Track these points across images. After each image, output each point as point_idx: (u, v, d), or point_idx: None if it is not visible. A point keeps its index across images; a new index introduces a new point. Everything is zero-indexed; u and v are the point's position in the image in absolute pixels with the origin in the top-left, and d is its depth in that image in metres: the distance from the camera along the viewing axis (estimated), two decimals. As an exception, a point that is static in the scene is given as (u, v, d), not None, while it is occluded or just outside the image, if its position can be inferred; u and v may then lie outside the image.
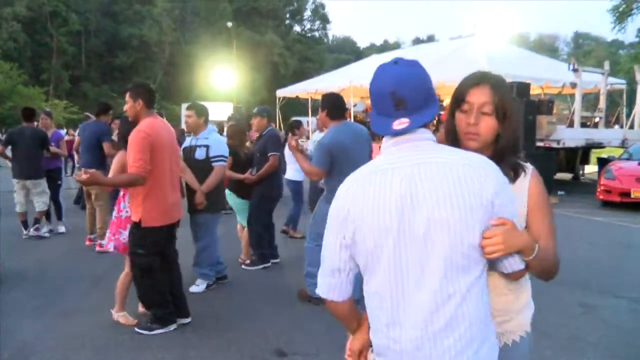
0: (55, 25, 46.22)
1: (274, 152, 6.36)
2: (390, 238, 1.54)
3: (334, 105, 4.92)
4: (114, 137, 7.05)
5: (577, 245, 7.97)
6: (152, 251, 4.30)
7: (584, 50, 76.75)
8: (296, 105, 44.02)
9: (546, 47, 71.49)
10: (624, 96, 18.33)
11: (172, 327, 4.48)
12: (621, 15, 64.51)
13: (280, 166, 6.72)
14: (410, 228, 1.52)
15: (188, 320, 4.64)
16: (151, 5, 51.28)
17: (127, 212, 4.51)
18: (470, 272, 1.55)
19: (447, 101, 16.03)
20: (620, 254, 7.59)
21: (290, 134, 7.76)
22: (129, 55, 50.56)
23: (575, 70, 13.86)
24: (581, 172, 17.32)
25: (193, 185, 5.32)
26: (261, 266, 6.50)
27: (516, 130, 1.87)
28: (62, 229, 8.52)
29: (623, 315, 5.07)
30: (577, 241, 8.32)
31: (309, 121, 26.49)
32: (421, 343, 1.56)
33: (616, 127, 15.81)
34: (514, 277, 1.77)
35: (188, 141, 5.70)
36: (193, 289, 5.56)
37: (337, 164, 4.70)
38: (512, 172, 1.83)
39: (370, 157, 4.74)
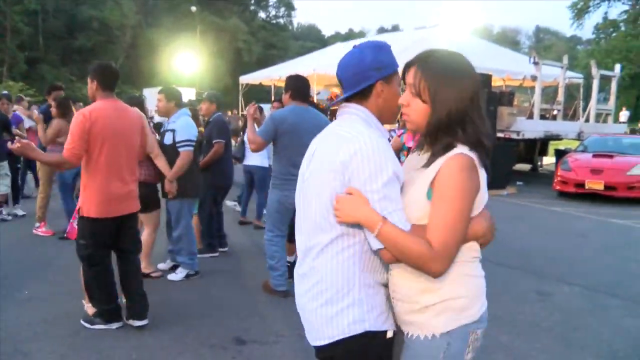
0: (9, 3, 44.51)
1: (218, 140, 6.18)
2: (300, 185, 1.95)
3: (296, 87, 4.83)
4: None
5: (534, 234, 8.17)
6: (90, 243, 4.01)
7: (545, 45, 78.41)
8: (259, 92, 43.66)
9: (509, 40, 72.68)
10: (581, 90, 18.79)
11: (115, 325, 4.19)
12: (579, 12, 66.37)
13: (228, 154, 6.54)
14: (305, 183, 1.89)
15: (142, 323, 4.22)
16: (112, -13, 49.95)
17: None
18: (326, 232, 1.75)
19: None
20: (575, 243, 7.78)
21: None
22: (89, 38, 49.10)
23: (535, 64, 14.11)
24: (539, 163, 17.71)
25: (164, 172, 5.17)
26: (208, 255, 6.34)
27: (449, 113, 1.69)
28: (20, 212, 8.47)
29: (576, 301, 5.21)
30: (534, 230, 8.52)
31: (272, 108, 26.36)
32: (298, 276, 1.91)
33: (581, 120, 16.17)
34: (383, 257, 1.70)
35: (164, 126, 5.60)
36: (171, 276, 5.50)
37: (281, 144, 4.65)
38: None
39: None
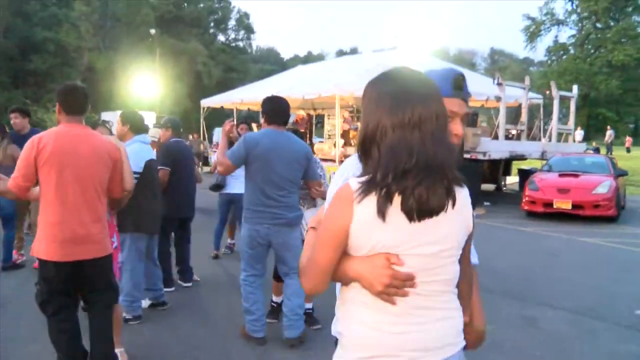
0: (-42, 23, 43.24)
1: (161, 167, 5.59)
2: None
3: (271, 110, 4.36)
4: None
5: (508, 255, 8.09)
6: (44, 288, 3.40)
7: (500, 66, 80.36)
8: (220, 116, 43.32)
9: (465, 62, 74.19)
10: (541, 110, 19.14)
11: None
12: (532, 35, 68.78)
13: (180, 182, 5.92)
14: None
15: None
16: (68, 9, 49.04)
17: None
18: None
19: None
20: (549, 263, 7.75)
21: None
22: (44, 60, 47.92)
23: (499, 85, 14.30)
24: (503, 183, 17.90)
25: None
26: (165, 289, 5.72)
27: (365, 128, 1.53)
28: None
29: (562, 326, 5.10)
30: (508, 251, 8.46)
31: (240, 130, 26.03)
32: None
33: (543, 140, 16.42)
34: None
35: None
36: None
37: (252, 170, 4.18)
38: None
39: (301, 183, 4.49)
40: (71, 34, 47.58)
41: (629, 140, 40.56)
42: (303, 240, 4.46)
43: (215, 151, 24.51)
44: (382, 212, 1.45)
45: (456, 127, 1.79)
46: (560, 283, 6.63)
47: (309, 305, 4.87)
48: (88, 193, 3.38)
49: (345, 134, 18.89)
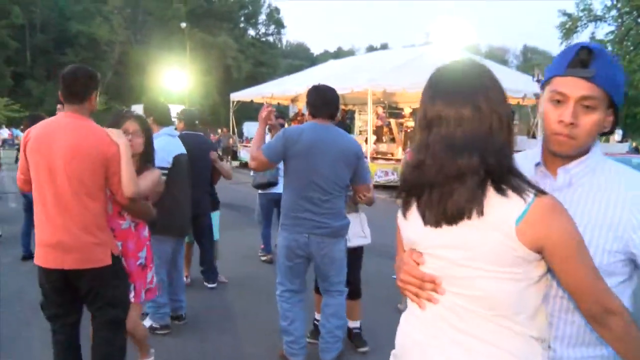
0: (-5, 17, 43.94)
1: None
2: None
3: (315, 102, 3.73)
4: None
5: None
6: (42, 296, 3.08)
7: (533, 64, 78.74)
8: (249, 110, 43.30)
9: (497, 59, 72.86)
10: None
11: None
12: (568, 32, 67.03)
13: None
14: None
15: None
16: (101, 3, 49.55)
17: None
18: None
19: (407, 109, 15.58)
20: None
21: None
22: (77, 53, 48.56)
23: (539, 81, 13.73)
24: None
25: None
26: None
27: None
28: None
29: None
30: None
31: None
32: None
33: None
34: None
35: None
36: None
37: (291, 170, 3.63)
38: None
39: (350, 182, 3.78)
40: (103, 27, 48.08)
41: (664, 139, 39.77)
42: (351, 252, 3.98)
43: (245, 146, 24.44)
44: (403, 210, 1.47)
45: (562, 113, 1.43)
46: None
47: (356, 324, 4.35)
48: (67, 194, 2.84)
49: (378, 130, 18.50)
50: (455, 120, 1.33)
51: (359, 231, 4.26)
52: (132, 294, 3.25)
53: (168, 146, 4.42)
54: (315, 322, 4.36)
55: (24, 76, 47.08)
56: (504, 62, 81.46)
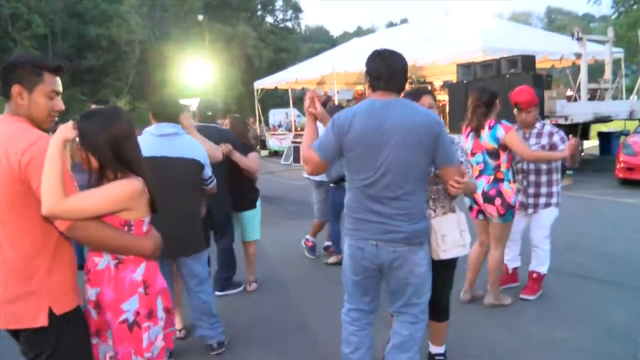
0: (17, 28, 44.18)
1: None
2: None
3: (377, 70, 2.87)
4: None
5: (620, 237, 6.93)
6: None
7: (558, 25, 76.60)
8: (274, 97, 42.84)
9: (521, 24, 71.05)
10: (622, 66, 17.48)
11: None
12: (595, -12, 64.97)
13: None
14: None
15: None
16: (118, 4, 49.45)
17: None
18: None
19: (437, 82, 14.91)
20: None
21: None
22: (98, 57, 48.66)
23: (579, 39, 12.87)
24: (581, 148, 16.43)
25: None
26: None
27: None
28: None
29: None
30: (618, 231, 7.29)
31: (289, 112, 25.39)
32: None
33: (632, 98, 14.90)
34: None
35: None
36: None
37: (349, 161, 2.90)
38: None
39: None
40: (122, 28, 48.07)
41: None
42: (440, 266, 3.16)
43: (273, 134, 23.97)
44: None
45: None
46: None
47: (439, 350, 3.66)
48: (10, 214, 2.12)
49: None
50: None
51: (457, 238, 3.23)
52: None
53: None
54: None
55: (49, 84, 47.37)
56: (529, 26, 79.36)
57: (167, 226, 2.83)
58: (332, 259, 6.30)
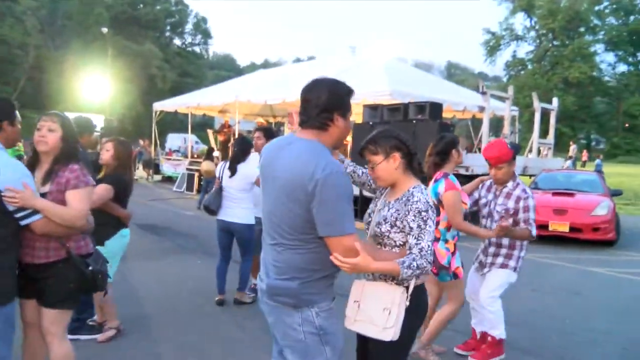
0: None
1: None
2: None
3: (316, 101, 2.45)
4: None
5: (519, 294, 6.72)
6: None
7: (456, 80, 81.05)
8: (174, 122, 41.37)
9: (423, 75, 74.41)
10: (517, 124, 18.25)
11: None
12: (491, 50, 69.99)
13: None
14: None
15: None
16: (12, 2, 46.05)
17: None
18: None
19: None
20: (573, 303, 6.47)
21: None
22: (-16, 56, 44.95)
23: (483, 93, 13.16)
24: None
25: None
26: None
27: None
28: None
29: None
30: (515, 287, 7.08)
31: (187, 138, 24.34)
32: None
33: (527, 154, 15.45)
34: None
35: None
36: None
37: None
38: None
39: None
40: (16, 29, 44.72)
41: (585, 154, 43.13)
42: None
43: (168, 159, 22.77)
44: None
45: None
46: (604, 334, 5.32)
47: None
48: None
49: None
50: None
51: (375, 314, 2.49)
52: None
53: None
54: None
55: None
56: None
57: None
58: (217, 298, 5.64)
